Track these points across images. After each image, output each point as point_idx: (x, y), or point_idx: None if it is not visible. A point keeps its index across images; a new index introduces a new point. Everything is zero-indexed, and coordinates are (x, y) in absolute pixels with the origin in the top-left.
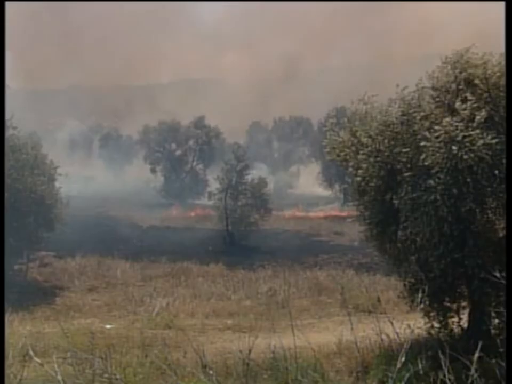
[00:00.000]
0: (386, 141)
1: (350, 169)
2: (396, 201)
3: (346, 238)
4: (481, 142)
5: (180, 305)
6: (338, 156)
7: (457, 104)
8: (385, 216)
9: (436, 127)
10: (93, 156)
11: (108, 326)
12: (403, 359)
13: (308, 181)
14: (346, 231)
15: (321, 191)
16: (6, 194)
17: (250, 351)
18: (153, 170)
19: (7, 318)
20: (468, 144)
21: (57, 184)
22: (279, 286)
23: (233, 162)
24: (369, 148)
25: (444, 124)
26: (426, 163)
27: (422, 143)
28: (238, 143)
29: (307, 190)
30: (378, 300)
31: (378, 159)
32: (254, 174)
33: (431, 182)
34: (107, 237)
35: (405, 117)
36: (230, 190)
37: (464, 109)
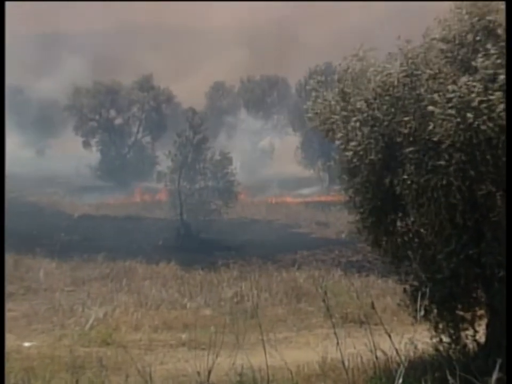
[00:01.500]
0: (384, 106)
1: (338, 142)
2: (395, 184)
3: (332, 229)
4: (502, 107)
5: (120, 315)
6: (323, 123)
7: (479, 60)
8: (382, 202)
9: (449, 87)
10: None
11: (26, 344)
12: (400, 380)
13: (284, 157)
14: (332, 221)
15: (300, 170)
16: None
17: (210, 372)
18: (86, 144)
19: None
20: (485, 111)
21: None
22: (247, 290)
23: (189, 134)
24: (364, 115)
25: (460, 84)
26: (434, 136)
27: (430, 108)
28: (194, 109)
29: (283, 169)
30: (373, 307)
31: (375, 129)
32: (215, 149)
33: (440, 160)
34: (25, 230)
35: (408, 78)
36: (185, 169)
37: (486, 67)
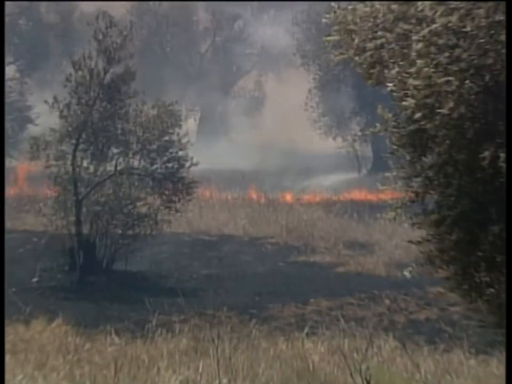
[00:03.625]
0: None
1: (391, 84)
2: (502, 167)
3: (379, 257)
4: None
5: None
6: (361, 51)
7: None
8: (479, 204)
9: None
10: None
11: None
12: None
13: (285, 113)
14: (379, 240)
15: (316, 140)
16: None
17: None
18: None
19: None
20: None
21: None
22: (209, 378)
23: (95, 64)
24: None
25: None
26: None
27: None
28: (109, 15)
29: (281, 138)
30: None
31: (463, 56)
32: (144, 99)
33: None
34: None
35: None
36: (87, 134)
37: None
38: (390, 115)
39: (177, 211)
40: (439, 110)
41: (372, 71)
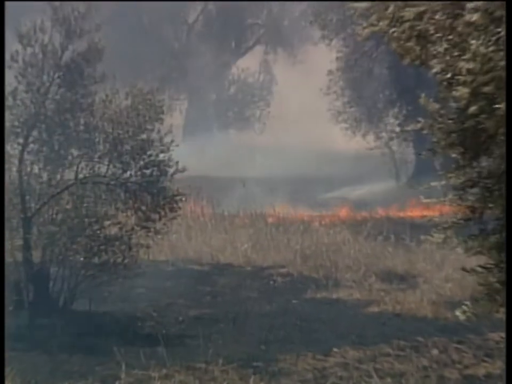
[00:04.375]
0: None
1: (438, 65)
2: None
3: (425, 292)
4: None
5: None
6: (396, 20)
7: None
8: None
9: None
10: None
11: None
12: None
13: (296, 104)
14: (424, 268)
15: (339, 137)
16: None
17: None
18: None
19: None
20: None
21: None
22: None
23: (48, 41)
24: None
25: None
26: None
27: None
28: None
29: (292, 136)
30: None
31: None
32: (115, 86)
33: None
34: None
35: None
36: (37, 131)
37: None
38: (437, 106)
39: (157, 232)
40: (498, 106)
41: (411, 47)
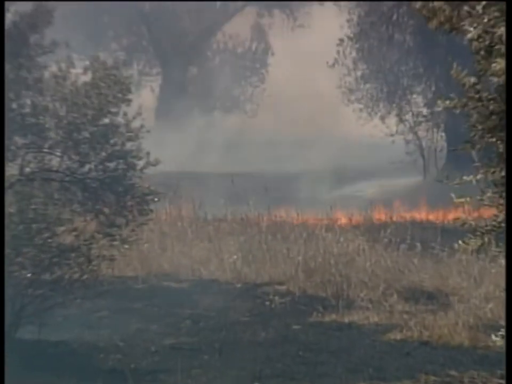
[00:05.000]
0: None
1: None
2: None
3: (460, 314)
4: None
5: None
6: None
7: None
8: None
9: None
10: None
11: None
12: None
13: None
14: (459, 284)
15: (353, 120)
16: None
17: None
18: None
19: None
20: None
21: None
22: None
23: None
24: None
25: None
26: None
27: None
28: None
29: (294, 120)
30: None
31: None
32: (70, 57)
33: None
34: None
35: None
36: None
37: None
38: (473, 80)
39: (124, 241)
40: None
41: (439, 6)
